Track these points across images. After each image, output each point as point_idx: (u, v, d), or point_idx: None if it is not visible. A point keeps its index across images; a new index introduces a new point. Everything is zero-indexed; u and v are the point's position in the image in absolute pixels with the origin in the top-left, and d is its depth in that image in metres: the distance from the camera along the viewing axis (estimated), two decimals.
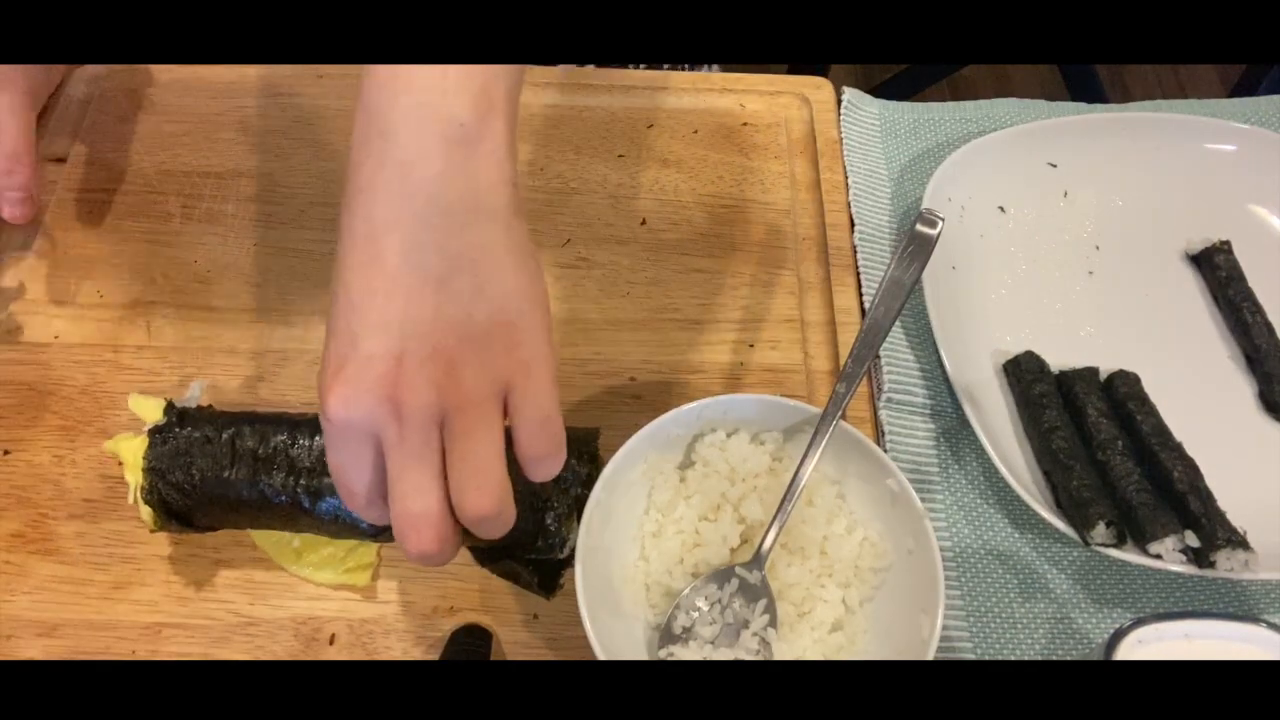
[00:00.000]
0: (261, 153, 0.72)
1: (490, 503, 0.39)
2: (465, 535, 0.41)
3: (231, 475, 0.50)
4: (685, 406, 0.54)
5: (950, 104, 0.79)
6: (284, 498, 0.50)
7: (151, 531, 0.53)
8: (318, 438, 0.51)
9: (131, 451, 0.51)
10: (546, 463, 0.42)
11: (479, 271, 0.39)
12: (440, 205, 0.38)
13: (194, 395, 0.55)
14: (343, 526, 0.51)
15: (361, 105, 0.42)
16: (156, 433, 0.51)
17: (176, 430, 0.51)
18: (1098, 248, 0.71)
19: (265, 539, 0.56)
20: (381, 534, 0.51)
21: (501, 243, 0.40)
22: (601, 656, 0.48)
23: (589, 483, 0.52)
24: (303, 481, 0.50)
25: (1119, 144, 0.73)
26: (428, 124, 0.39)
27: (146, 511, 0.51)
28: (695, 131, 0.75)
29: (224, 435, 0.51)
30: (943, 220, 0.57)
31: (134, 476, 0.51)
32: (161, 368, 0.62)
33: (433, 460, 0.39)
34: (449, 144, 0.39)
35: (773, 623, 0.51)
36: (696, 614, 0.52)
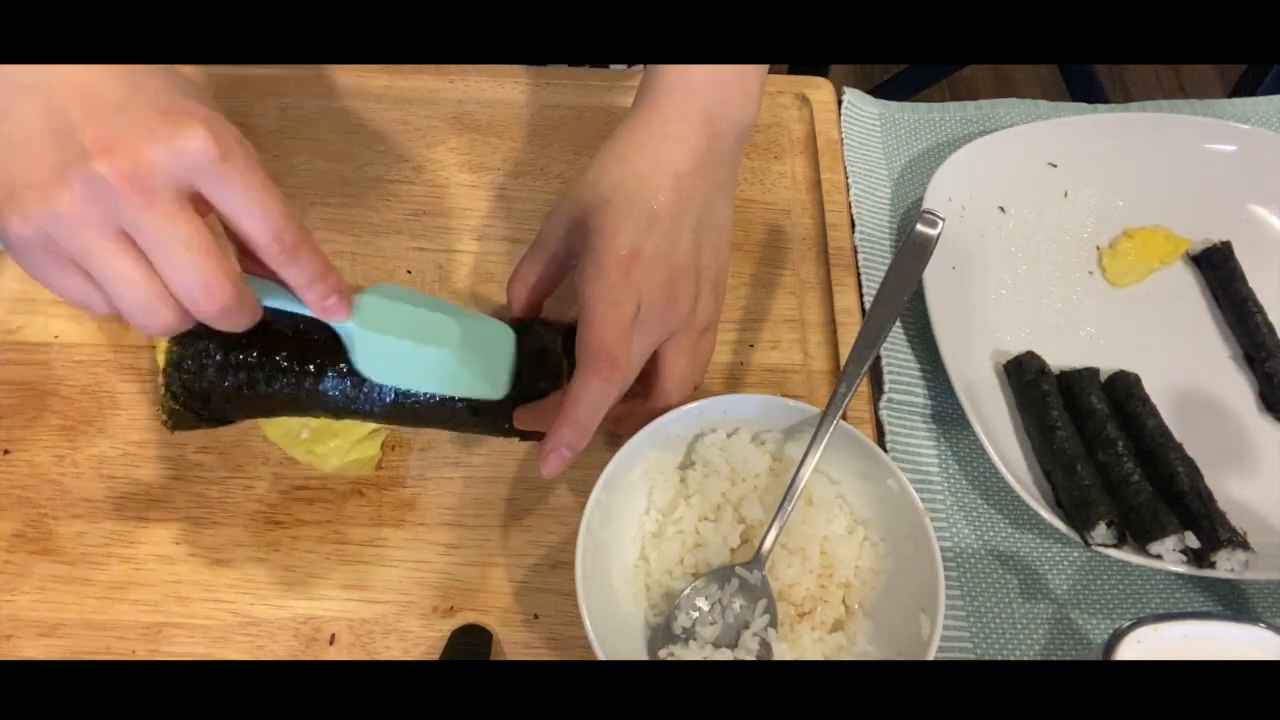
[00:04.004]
0: (261, 153, 0.71)
1: (685, 396, 0.55)
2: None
3: (245, 355, 0.53)
4: (685, 406, 0.54)
5: (950, 104, 0.79)
6: (293, 377, 0.53)
7: (169, 427, 0.55)
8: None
9: (164, 345, 0.55)
10: (687, 387, 0.55)
11: (723, 237, 0.55)
12: (727, 192, 0.54)
13: None
14: (348, 409, 0.55)
15: (683, 95, 0.52)
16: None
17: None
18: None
19: (275, 429, 0.58)
20: (388, 417, 0.55)
21: (729, 222, 0.55)
22: (601, 656, 0.48)
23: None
24: (311, 363, 0.54)
25: (1119, 144, 0.73)
26: (737, 147, 0.55)
27: (163, 401, 0.54)
28: None
29: None
30: (943, 220, 0.57)
31: (162, 360, 0.54)
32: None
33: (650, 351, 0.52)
34: (739, 160, 0.55)
35: (773, 623, 0.51)
36: (697, 614, 0.52)
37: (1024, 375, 0.62)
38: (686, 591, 0.52)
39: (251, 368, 0.54)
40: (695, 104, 0.52)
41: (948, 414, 0.63)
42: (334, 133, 0.73)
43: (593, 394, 0.48)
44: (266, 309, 0.53)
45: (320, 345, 0.54)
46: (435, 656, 0.53)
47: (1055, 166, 0.74)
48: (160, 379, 0.54)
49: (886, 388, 0.63)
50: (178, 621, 0.54)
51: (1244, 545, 0.54)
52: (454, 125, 0.74)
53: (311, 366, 0.54)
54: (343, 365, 0.54)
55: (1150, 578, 0.58)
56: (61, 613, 0.54)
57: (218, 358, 0.53)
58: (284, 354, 0.54)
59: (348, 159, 0.72)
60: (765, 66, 0.55)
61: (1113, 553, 0.54)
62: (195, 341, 0.54)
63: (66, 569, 0.55)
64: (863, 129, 0.76)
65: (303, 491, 0.58)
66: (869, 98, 0.78)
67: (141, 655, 0.53)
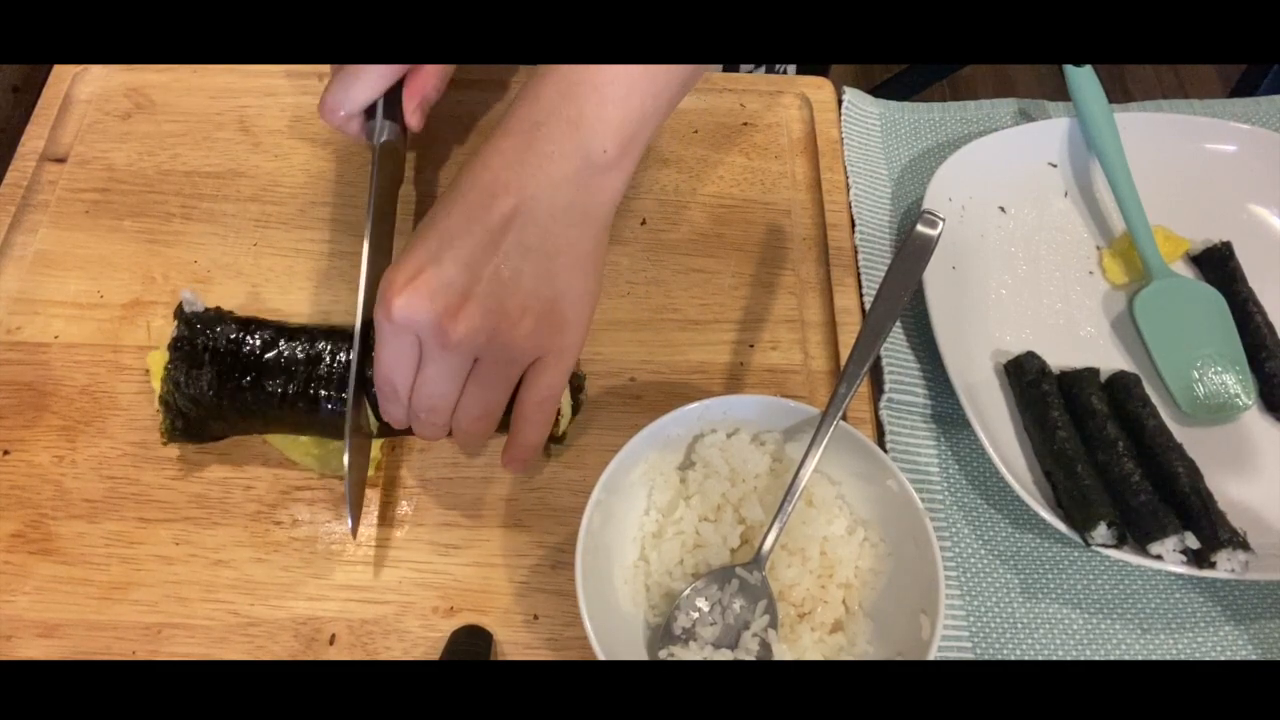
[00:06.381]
0: (261, 153, 0.72)
1: (481, 434, 0.52)
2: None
3: (241, 379, 0.54)
4: (685, 406, 0.54)
5: (950, 104, 0.79)
6: (289, 397, 0.54)
7: (164, 443, 0.55)
8: (320, 342, 0.55)
9: (157, 364, 0.56)
10: (529, 429, 0.52)
11: (559, 261, 0.47)
12: (558, 201, 0.47)
13: (194, 301, 0.56)
14: (343, 430, 0.54)
15: (532, 92, 0.48)
16: (174, 345, 0.54)
17: (189, 339, 0.54)
18: (1098, 248, 0.71)
19: (276, 434, 0.59)
20: (383, 433, 0.55)
21: (586, 247, 0.49)
22: (601, 656, 0.48)
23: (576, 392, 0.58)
24: (311, 383, 0.54)
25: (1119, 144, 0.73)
26: (582, 141, 0.47)
27: (161, 425, 0.54)
28: (695, 131, 0.75)
29: (233, 340, 0.54)
30: (943, 221, 0.56)
31: (157, 386, 0.55)
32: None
33: (458, 379, 0.49)
34: (588, 162, 0.47)
35: (773, 623, 0.51)
36: (697, 615, 0.52)
37: (1024, 375, 0.62)
38: (686, 592, 0.52)
39: (246, 390, 0.54)
40: (534, 117, 0.47)
41: (948, 414, 0.63)
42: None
43: (388, 409, 0.52)
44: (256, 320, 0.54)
45: (316, 368, 0.54)
46: (435, 657, 0.53)
47: (1055, 166, 0.74)
48: (156, 401, 0.54)
49: (886, 388, 0.63)
50: (178, 621, 0.54)
51: (1244, 546, 0.54)
52: (454, 125, 0.74)
53: (310, 389, 0.54)
54: (337, 388, 0.54)
55: (1150, 578, 0.58)
56: (61, 613, 0.54)
57: (213, 380, 0.53)
58: (279, 377, 0.54)
59: (348, 159, 0.72)
60: (640, 99, 0.49)
61: (1113, 553, 0.54)
62: (190, 363, 0.54)
63: (66, 569, 0.55)
64: (863, 129, 0.76)
65: (303, 492, 0.58)
66: (869, 98, 0.78)
67: (141, 655, 0.53)
